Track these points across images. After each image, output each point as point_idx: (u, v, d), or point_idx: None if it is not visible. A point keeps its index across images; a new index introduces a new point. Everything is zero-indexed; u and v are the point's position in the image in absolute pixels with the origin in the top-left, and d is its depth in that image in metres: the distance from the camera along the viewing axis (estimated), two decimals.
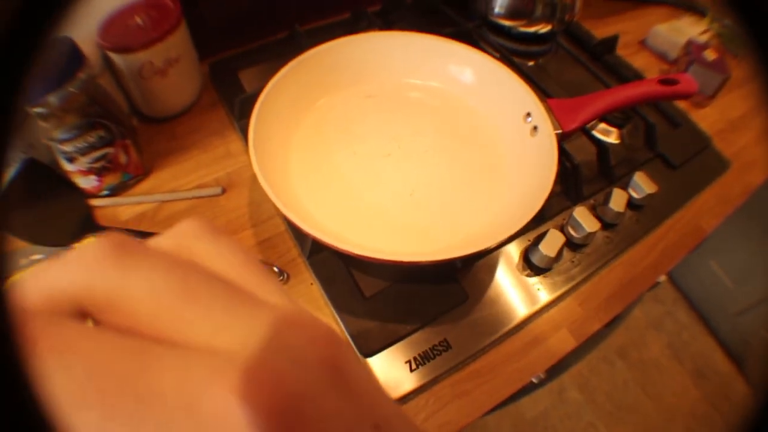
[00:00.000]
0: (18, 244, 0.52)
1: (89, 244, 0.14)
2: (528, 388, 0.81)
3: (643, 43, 0.86)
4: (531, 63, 0.76)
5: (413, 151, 0.57)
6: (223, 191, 0.58)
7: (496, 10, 0.75)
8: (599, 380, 1.37)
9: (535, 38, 0.77)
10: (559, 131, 0.54)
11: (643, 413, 1.35)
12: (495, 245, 0.45)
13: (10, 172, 0.53)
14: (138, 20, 0.56)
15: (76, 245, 0.54)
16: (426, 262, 0.43)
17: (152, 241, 0.16)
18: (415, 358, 0.48)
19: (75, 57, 0.49)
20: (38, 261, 0.53)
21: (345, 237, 0.49)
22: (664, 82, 0.57)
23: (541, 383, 0.80)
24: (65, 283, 0.14)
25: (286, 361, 0.13)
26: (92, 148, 0.53)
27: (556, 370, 0.81)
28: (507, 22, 0.74)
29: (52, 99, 0.48)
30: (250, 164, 0.60)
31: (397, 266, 0.51)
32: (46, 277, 0.14)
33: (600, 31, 0.83)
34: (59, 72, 0.48)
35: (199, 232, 0.16)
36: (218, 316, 0.14)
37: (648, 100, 0.58)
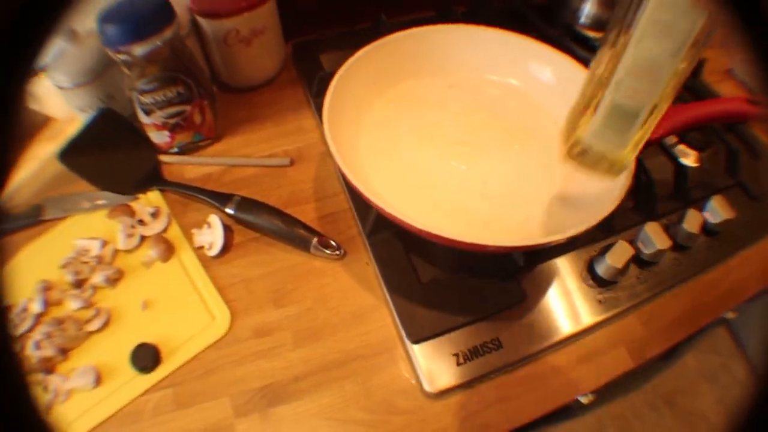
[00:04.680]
0: (84, 186, 0.54)
1: None
2: (572, 410, 0.77)
3: (729, 72, 0.82)
4: None
5: (488, 144, 0.56)
6: (291, 163, 0.59)
7: (582, 20, 0.73)
8: (642, 426, 1.29)
9: None
10: None
11: None
12: (556, 241, 0.43)
13: (87, 118, 0.55)
14: None
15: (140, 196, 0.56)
16: (489, 246, 0.42)
17: None
18: (463, 352, 0.46)
19: (165, 12, 0.51)
20: (101, 205, 0.55)
21: (410, 215, 0.48)
22: (752, 102, 0.53)
23: (587, 407, 0.76)
24: None
25: None
26: (169, 103, 0.54)
27: (606, 395, 0.76)
28: (592, 33, 0.73)
29: (137, 48, 0.49)
30: (320, 141, 0.61)
31: (459, 252, 0.49)
32: None
33: None
34: (147, 24, 0.49)
35: None
36: None
37: (732, 118, 0.55)
